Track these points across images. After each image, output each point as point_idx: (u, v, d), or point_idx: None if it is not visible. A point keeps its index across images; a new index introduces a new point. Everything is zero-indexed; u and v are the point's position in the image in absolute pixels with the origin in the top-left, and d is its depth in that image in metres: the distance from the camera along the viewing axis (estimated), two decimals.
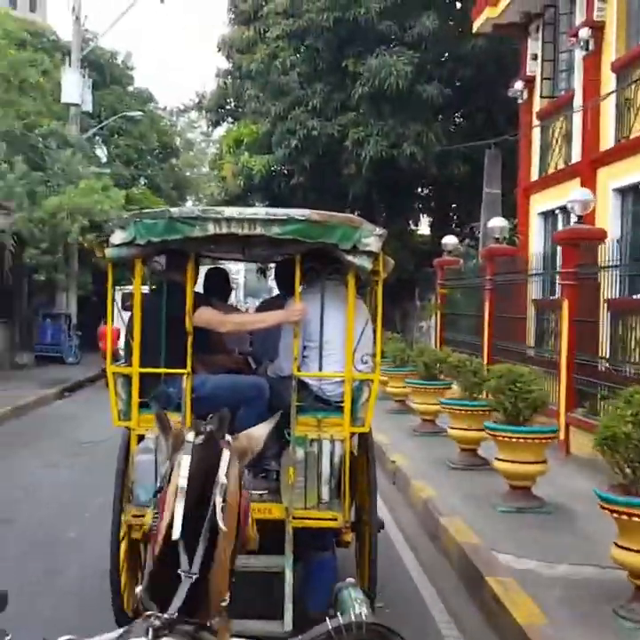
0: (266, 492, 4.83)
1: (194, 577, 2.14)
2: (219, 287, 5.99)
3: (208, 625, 2.19)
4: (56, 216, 22.30)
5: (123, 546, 4.89)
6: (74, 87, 28.24)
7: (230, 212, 4.55)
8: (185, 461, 2.28)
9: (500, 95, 21.62)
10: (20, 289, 23.77)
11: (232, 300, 7.09)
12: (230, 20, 26.78)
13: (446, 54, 22.98)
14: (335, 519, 4.72)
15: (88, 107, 29.79)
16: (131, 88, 36.75)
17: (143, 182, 35.99)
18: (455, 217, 28.15)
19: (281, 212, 4.56)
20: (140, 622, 2.18)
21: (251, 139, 25.18)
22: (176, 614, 2.12)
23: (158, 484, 2.49)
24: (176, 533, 2.18)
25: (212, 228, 4.46)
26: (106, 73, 34.39)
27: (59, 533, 7.38)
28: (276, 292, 6.71)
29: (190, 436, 2.35)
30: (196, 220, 4.47)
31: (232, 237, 4.59)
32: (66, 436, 13.03)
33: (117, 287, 5.20)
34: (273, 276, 6.56)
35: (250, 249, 5.23)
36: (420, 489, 8.49)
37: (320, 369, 4.87)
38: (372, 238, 4.54)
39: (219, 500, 2.22)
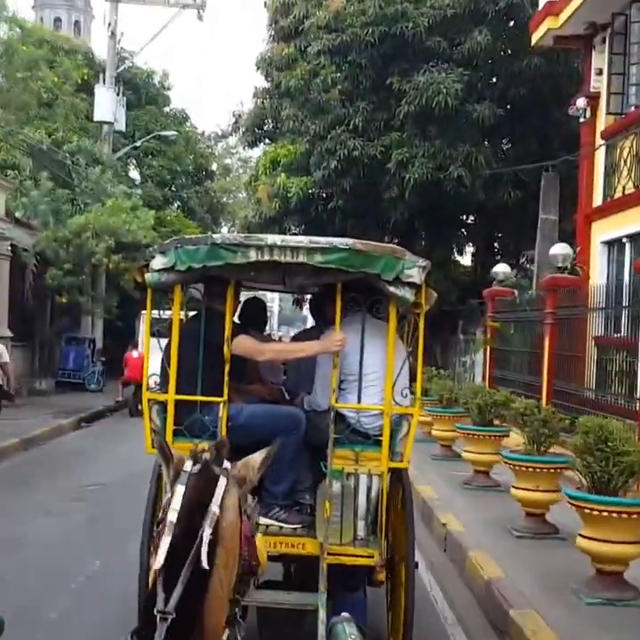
0: (300, 526, 4.73)
1: (169, 617, 2.04)
2: (256, 317, 5.89)
3: None
4: (81, 235, 21.20)
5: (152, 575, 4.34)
6: (107, 105, 27.50)
7: (273, 239, 4.50)
8: (178, 492, 2.23)
9: (555, 117, 20.38)
10: (42, 311, 22.73)
11: (266, 328, 6.83)
12: (270, 37, 25.72)
13: (498, 73, 21.63)
14: (371, 556, 4.60)
15: (121, 126, 29.01)
16: (167, 109, 35.92)
17: (177, 205, 35.02)
18: (499, 246, 26.69)
19: (324, 241, 4.48)
20: None
21: (288, 159, 23.90)
22: None
23: (160, 515, 2.35)
24: (157, 565, 2.13)
25: (254, 255, 4.40)
26: (141, 93, 33.72)
27: (37, 612, 5.94)
28: (310, 320, 6.61)
29: (188, 465, 2.29)
30: (239, 247, 4.42)
31: (273, 265, 4.48)
32: (73, 474, 11.82)
33: (143, 311, 4.88)
34: (308, 306, 6.47)
35: (290, 277, 4.99)
36: (481, 565, 6.97)
37: (359, 401, 4.75)
38: (416, 270, 4.46)
39: (207, 532, 2.13)
